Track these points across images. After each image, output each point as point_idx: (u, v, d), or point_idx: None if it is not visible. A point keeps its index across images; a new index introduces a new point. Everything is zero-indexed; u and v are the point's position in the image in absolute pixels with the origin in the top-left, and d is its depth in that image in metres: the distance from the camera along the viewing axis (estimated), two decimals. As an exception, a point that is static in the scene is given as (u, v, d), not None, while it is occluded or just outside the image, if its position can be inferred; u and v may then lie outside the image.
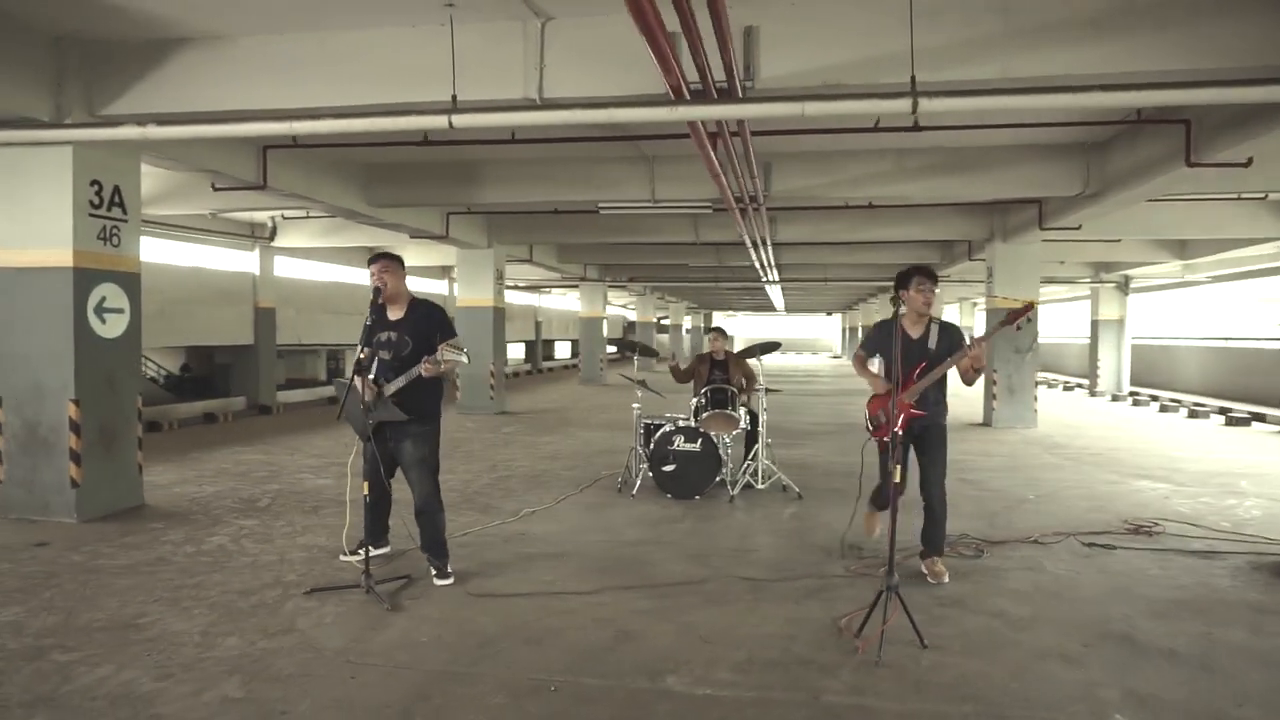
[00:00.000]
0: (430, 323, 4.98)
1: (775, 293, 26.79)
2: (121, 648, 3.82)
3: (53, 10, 5.57)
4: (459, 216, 13.16)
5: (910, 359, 4.62)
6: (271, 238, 14.74)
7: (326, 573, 4.99)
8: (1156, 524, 6.26)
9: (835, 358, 50.40)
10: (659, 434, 7.32)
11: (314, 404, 16.39)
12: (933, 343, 4.73)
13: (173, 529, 5.97)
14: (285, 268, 16.25)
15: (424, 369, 4.69)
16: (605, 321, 23.74)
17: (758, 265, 16.70)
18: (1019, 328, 4.70)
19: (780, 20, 5.22)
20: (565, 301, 36.60)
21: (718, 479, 7.30)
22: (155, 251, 13.16)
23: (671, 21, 5.22)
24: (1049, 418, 14.08)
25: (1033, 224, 11.38)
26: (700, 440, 7.24)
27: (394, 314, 5.00)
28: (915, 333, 4.78)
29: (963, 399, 17.90)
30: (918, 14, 4.82)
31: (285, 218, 14.10)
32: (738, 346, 8.53)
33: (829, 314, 50.51)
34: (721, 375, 7.93)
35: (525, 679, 3.54)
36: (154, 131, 5.63)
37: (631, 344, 8.45)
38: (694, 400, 7.79)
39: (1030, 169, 9.12)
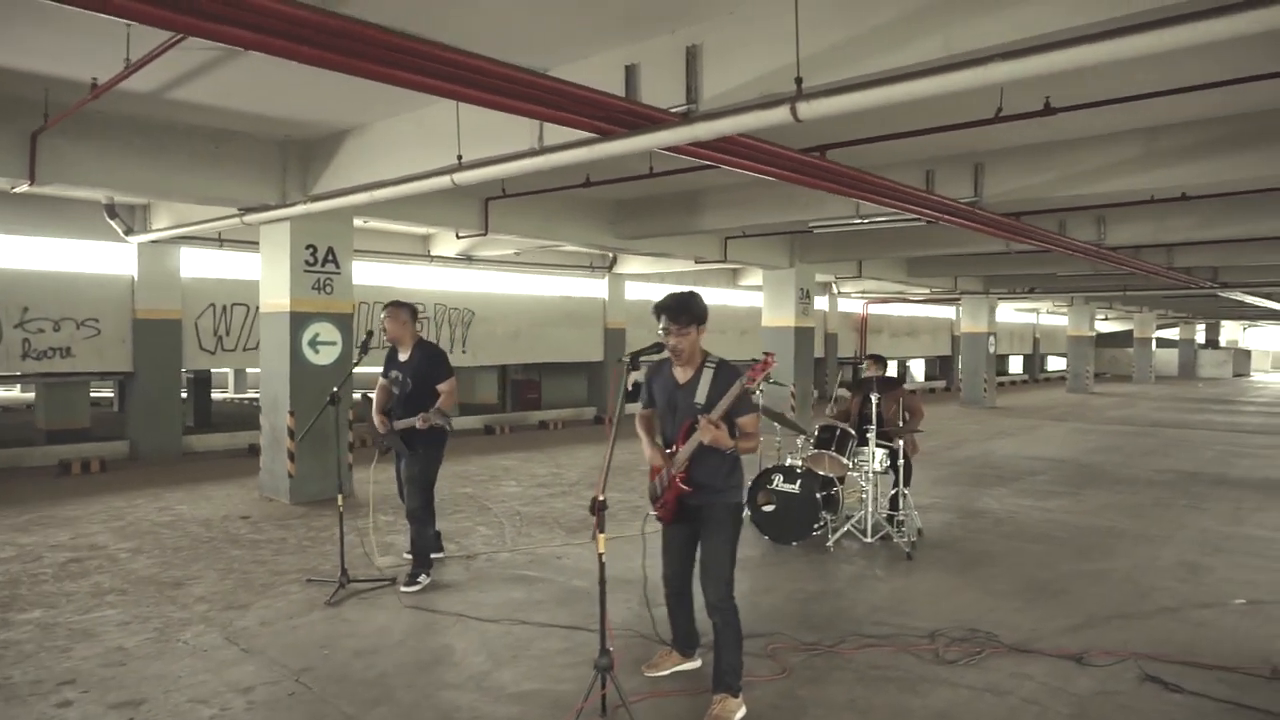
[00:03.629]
0: (427, 366, 5.67)
1: (1238, 297, 21.23)
2: (145, 597, 5.24)
3: (278, 126, 7.53)
4: (749, 240, 13.42)
5: (678, 413, 3.77)
6: (610, 267, 16.63)
7: (362, 569, 5.95)
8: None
9: None
10: (760, 471, 6.92)
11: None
12: (701, 393, 3.68)
13: (331, 517, 7.54)
14: (636, 292, 18.06)
15: (419, 423, 5.44)
16: (993, 337, 21.35)
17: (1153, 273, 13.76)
18: (760, 388, 3.37)
19: (722, 33, 4.79)
20: (1059, 320, 33.67)
21: (816, 528, 6.63)
22: (507, 284, 15.87)
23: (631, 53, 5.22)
24: None
25: None
26: (800, 481, 6.66)
27: (403, 354, 5.79)
28: (683, 376, 3.78)
29: None
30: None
31: (599, 251, 15.75)
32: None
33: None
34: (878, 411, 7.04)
35: (291, 681, 4.04)
36: (314, 206, 7.34)
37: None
38: (799, 438, 7.15)
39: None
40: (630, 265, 16.66)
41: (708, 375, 3.73)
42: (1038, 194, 7.89)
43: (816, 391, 16.11)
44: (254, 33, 3.41)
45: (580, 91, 4.63)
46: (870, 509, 6.66)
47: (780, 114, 4.08)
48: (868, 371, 7.33)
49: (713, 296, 20.63)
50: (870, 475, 6.72)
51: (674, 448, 3.77)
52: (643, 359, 3.73)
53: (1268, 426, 16.66)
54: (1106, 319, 35.13)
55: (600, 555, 3.44)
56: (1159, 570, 6.02)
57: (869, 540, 6.61)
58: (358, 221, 10.99)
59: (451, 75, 4.17)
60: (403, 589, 5.46)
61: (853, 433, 6.87)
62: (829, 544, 6.52)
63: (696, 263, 13.50)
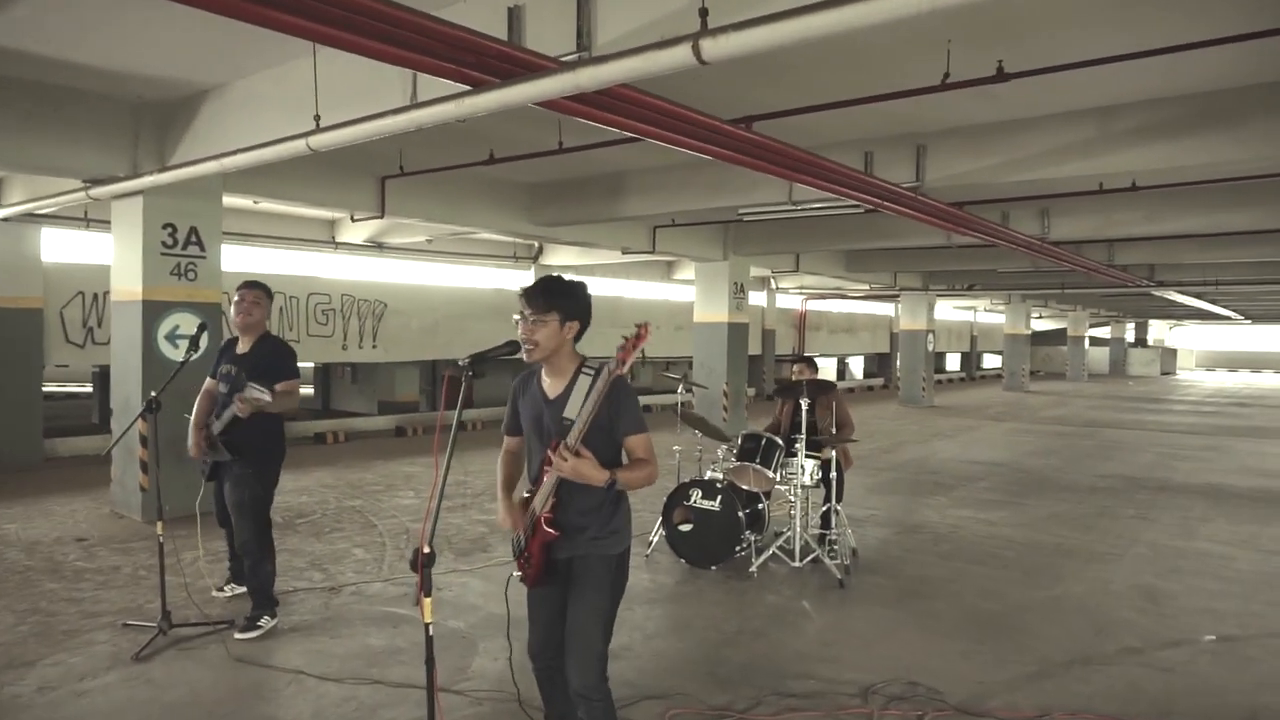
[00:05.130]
0: (274, 360, 4.73)
1: (1171, 296, 21.29)
2: (-98, 655, 4.20)
3: (130, 85, 6.46)
4: (679, 230, 12.64)
5: (545, 436, 2.87)
6: (536, 257, 15.72)
7: (190, 607, 4.96)
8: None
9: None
10: (676, 486, 6.13)
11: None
12: (573, 406, 2.78)
13: (185, 538, 6.50)
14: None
15: (237, 408, 4.50)
16: (931, 334, 20.99)
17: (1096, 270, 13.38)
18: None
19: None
20: (996, 318, 33.60)
21: (739, 549, 5.86)
22: (424, 274, 14.86)
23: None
24: None
25: None
26: (720, 498, 5.88)
27: (242, 347, 4.85)
28: (553, 389, 2.90)
29: None
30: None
31: (523, 240, 14.85)
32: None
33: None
34: (810, 419, 6.26)
35: (42, 780, 3.10)
36: (163, 178, 6.28)
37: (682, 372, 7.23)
38: (720, 448, 6.39)
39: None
40: (558, 256, 15.77)
41: (583, 384, 2.83)
42: (983, 179, 7.24)
43: (753, 390, 15.43)
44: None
45: (444, 29, 3.75)
46: (799, 529, 5.92)
47: (681, 54, 3.26)
48: (798, 376, 6.54)
49: (647, 290, 19.89)
50: (800, 490, 5.98)
51: (537, 485, 2.91)
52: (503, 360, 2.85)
53: (1200, 426, 16.56)
54: (1041, 317, 35.36)
55: (427, 627, 2.57)
56: (1114, 597, 5.40)
57: (798, 564, 5.86)
58: (243, 201, 9.92)
59: (309, 10, 3.29)
60: (238, 635, 4.51)
61: (780, 443, 6.11)
62: (753, 568, 5.76)
63: (624, 253, 12.68)
